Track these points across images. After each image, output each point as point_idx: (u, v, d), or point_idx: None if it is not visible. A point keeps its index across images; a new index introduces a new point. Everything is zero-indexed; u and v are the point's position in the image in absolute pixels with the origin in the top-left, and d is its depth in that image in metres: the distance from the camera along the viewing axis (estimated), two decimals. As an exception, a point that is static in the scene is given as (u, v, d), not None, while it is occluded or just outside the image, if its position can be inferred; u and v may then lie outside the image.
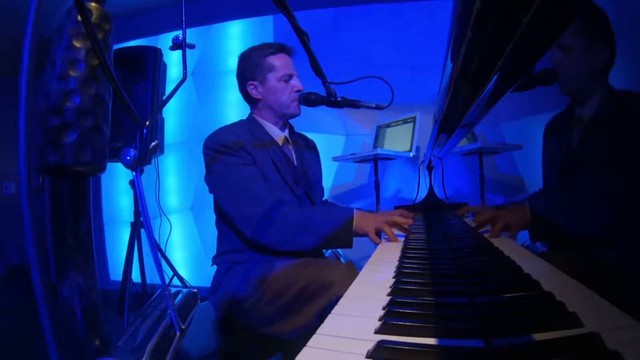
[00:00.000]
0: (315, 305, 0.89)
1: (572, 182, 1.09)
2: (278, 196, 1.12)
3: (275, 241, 1.07)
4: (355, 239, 1.06)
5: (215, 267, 1.20)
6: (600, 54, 1.02)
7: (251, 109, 1.29)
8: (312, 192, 1.29)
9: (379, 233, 1.05)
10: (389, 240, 1.02)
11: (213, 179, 1.14)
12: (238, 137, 1.14)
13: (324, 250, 1.33)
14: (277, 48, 1.23)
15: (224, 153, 1.11)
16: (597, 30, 1.02)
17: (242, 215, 1.08)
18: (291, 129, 1.33)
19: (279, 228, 1.05)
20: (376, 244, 1.01)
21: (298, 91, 1.22)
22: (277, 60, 1.22)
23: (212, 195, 1.20)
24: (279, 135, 1.25)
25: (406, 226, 1.06)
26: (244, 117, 1.30)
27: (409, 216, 1.48)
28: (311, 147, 1.41)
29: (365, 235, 1.05)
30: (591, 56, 1.02)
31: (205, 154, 1.15)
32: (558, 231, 0.95)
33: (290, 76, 1.22)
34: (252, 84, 1.24)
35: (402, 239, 1.03)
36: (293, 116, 1.26)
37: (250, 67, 1.23)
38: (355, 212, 1.07)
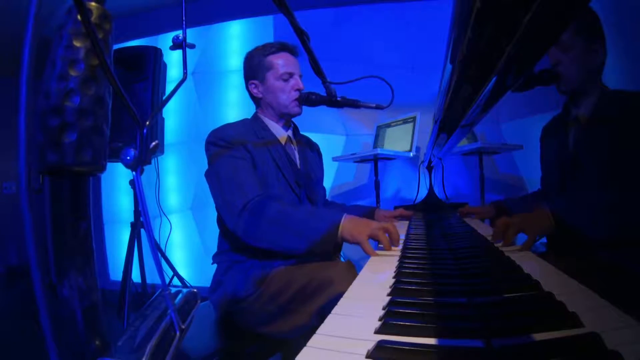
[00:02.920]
0: (314, 303, 0.89)
1: (573, 183, 1.09)
2: (267, 190, 1.10)
3: (252, 236, 1.00)
4: None
5: (215, 265, 1.20)
6: (597, 52, 1.02)
7: (255, 108, 1.30)
8: (313, 193, 1.29)
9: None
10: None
11: (209, 172, 1.14)
12: (240, 134, 1.14)
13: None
14: (279, 47, 1.23)
15: (222, 147, 1.11)
16: (593, 28, 1.03)
17: (225, 203, 1.05)
18: (295, 129, 1.33)
19: (258, 221, 0.98)
20: (370, 255, 0.87)
21: (298, 90, 1.21)
22: (277, 59, 1.22)
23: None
24: (282, 134, 1.25)
25: (399, 241, 0.92)
26: (245, 117, 1.30)
27: (407, 215, 1.47)
28: (315, 149, 1.41)
29: (357, 244, 0.92)
30: (589, 55, 1.02)
31: (206, 149, 1.16)
32: (583, 235, 0.90)
33: (290, 75, 1.22)
34: (253, 83, 1.25)
35: (402, 238, 1.02)
36: (293, 116, 1.26)
37: (252, 66, 1.25)
38: (344, 217, 0.96)
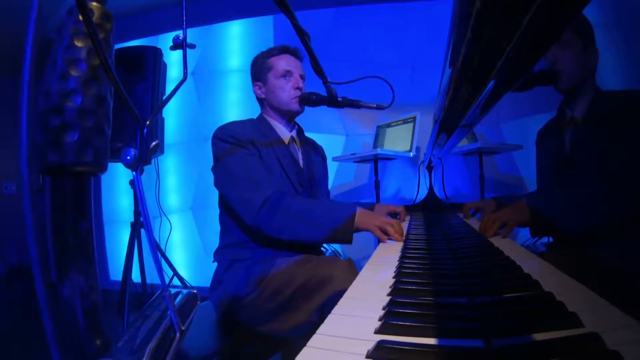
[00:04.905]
0: (315, 301, 0.89)
1: (569, 184, 1.09)
2: (279, 186, 1.13)
3: (275, 229, 1.07)
4: (355, 240, 1.06)
5: (215, 264, 1.20)
6: (591, 53, 1.03)
7: (261, 109, 1.32)
8: (316, 194, 1.29)
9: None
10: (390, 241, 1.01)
11: (218, 168, 1.16)
12: (247, 132, 1.17)
13: (324, 250, 1.34)
14: (281, 49, 1.27)
15: (231, 144, 1.14)
16: (588, 30, 1.04)
17: (242, 200, 1.09)
18: (300, 130, 1.35)
19: (280, 216, 1.05)
20: (382, 241, 1.01)
21: (298, 88, 1.23)
22: (278, 60, 1.25)
23: (212, 195, 1.20)
24: (286, 134, 1.27)
25: (403, 234, 1.03)
26: (245, 117, 1.31)
27: (404, 217, 1.50)
28: (319, 152, 1.43)
29: (368, 230, 1.05)
30: (584, 54, 1.03)
31: (213, 144, 1.17)
32: (557, 226, 0.95)
33: (290, 73, 1.24)
34: (257, 85, 1.28)
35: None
36: (294, 114, 1.27)
37: (256, 69, 1.28)
38: (358, 209, 1.07)
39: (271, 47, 1.29)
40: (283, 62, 1.24)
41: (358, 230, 1.05)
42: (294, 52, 1.27)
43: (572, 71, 1.05)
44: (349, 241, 1.05)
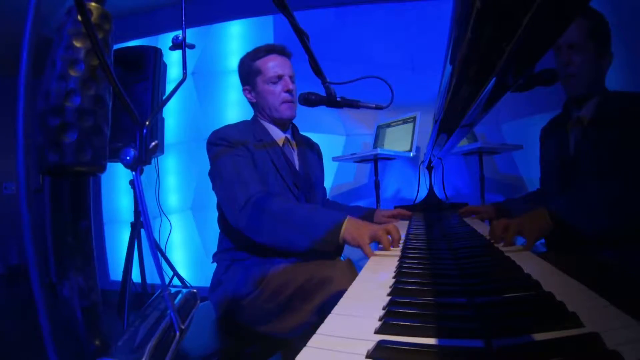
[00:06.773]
0: (314, 301, 0.89)
1: (573, 184, 1.09)
2: (268, 187, 1.12)
3: (255, 230, 1.01)
4: None
5: (215, 264, 1.20)
6: (607, 55, 1.03)
7: (254, 112, 1.31)
8: (312, 195, 1.29)
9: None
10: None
11: (211, 171, 1.16)
12: (240, 135, 1.16)
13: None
14: (267, 50, 1.23)
15: (222, 146, 1.13)
16: (604, 32, 1.03)
17: (227, 199, 1.07)
18: (295, 130, 1.33)
19: (261, 217, 1.00)
20: (369, 256, 0.85)
21: (288, 91, 1.21)
22: (265, 63, 1.22)
23: (212, 195, 1.20)
24: (279, 136, 1.25)
25: (399, 242, 0.91)
26: (244, 117, 1.31)
27: (407, 215, 1.47)
28: (315, 150, 1.41)
29: (357, 247, 0.92)
30: (600, 58, 1.03)
31: (207, 149, 1.17)
32: (574, 235, 0.87)
33: (279, 77, 1.21)
34: (246, 89, 1.26)
35: (402, 238, 1.02)
36: (285, 120, 1.25)
37: (243, 73, 1.26)
38: (347, 218, 0.96)
39: (257, 48, 1.24)
40: (272, 65, 1.21)
41: (346, 243, 0.94)
42: (281, 51, 1.24)
43: (585, 77, 1.04)
44: (334, 252, 0.96)
